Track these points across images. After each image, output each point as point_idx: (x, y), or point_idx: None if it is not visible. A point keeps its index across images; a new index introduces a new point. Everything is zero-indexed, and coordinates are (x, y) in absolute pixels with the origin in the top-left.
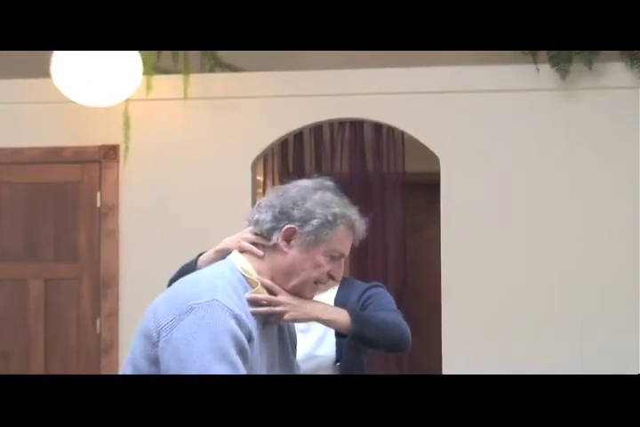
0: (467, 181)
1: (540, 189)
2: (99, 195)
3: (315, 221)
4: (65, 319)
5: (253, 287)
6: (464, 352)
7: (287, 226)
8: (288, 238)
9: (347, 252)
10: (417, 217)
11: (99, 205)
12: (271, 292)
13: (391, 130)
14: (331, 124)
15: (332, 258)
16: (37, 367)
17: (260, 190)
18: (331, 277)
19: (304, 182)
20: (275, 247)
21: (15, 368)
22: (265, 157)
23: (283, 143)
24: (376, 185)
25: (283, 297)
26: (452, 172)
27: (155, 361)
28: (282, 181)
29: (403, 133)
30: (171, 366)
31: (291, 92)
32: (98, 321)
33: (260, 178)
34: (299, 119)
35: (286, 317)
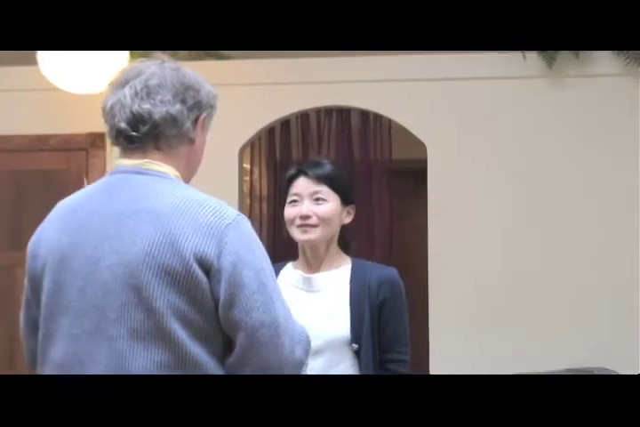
0: (453, 169)
1: (527, 176)
2: (86, 183)
3: (214, 102)
4: None
5: None
6: (451, 340)
7: (203, 115)
8: (199, 127)
9: None
10: (404, 205)
11: None
12: None
13: (378, 117)
14: (317, 111)
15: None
16: (23, 356)
17: (247, 178)
18: None
19: (163, 65)
20: (181, 141)
21: (0, 357)
22: (252, 145)
23: (269, 131)
24: (363, 173)
25: None
26: (439, 159)
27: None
28: (269, 169)
29: (390, 121)
30: (254, 289)
31: (277, 80)
32: None
33: (246, 166)
34: (285, 107)
35: None
